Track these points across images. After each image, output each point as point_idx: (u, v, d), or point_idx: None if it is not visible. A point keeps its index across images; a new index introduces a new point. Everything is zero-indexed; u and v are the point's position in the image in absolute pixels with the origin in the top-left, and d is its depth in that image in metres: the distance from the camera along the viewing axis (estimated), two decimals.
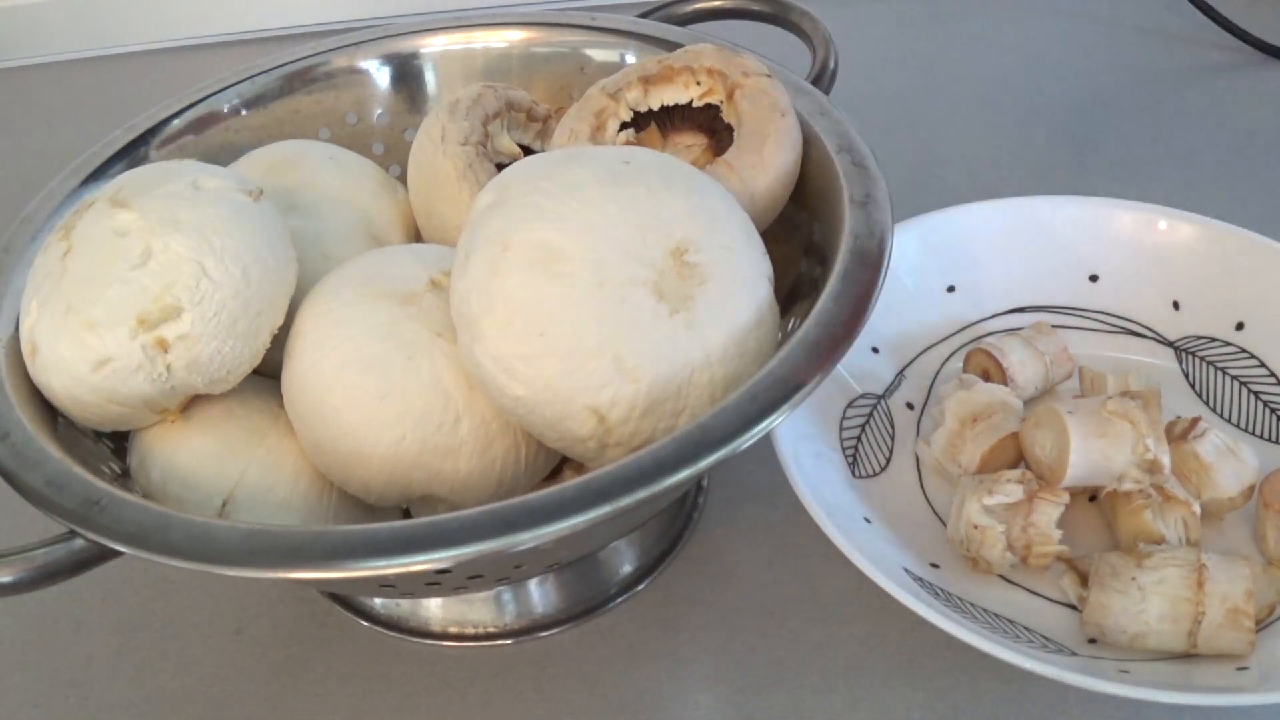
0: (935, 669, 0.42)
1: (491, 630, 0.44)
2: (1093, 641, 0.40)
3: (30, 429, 0.36)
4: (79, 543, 0.33)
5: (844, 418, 0.48)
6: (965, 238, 0.53)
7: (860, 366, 0.50)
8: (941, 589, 0.41)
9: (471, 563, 0.32)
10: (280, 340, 0.39)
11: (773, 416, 0.33)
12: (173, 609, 0.47)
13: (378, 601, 0.45)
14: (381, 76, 0.53)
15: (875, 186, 0.41)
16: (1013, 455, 0.46)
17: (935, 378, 0.51)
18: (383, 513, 0.41)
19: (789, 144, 0.42)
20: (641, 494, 0.31)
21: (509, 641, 0.44)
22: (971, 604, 0.41)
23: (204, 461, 0.38)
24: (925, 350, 0.52)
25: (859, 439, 0.48)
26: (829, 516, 0.40)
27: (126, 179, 0.40)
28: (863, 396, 0.49)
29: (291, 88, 0.52)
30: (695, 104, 0.44)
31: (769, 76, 0.43)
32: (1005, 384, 0.48)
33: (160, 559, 0.32)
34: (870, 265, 0.38)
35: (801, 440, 0.44)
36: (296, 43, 0.54)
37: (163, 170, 0.41)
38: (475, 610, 0.44)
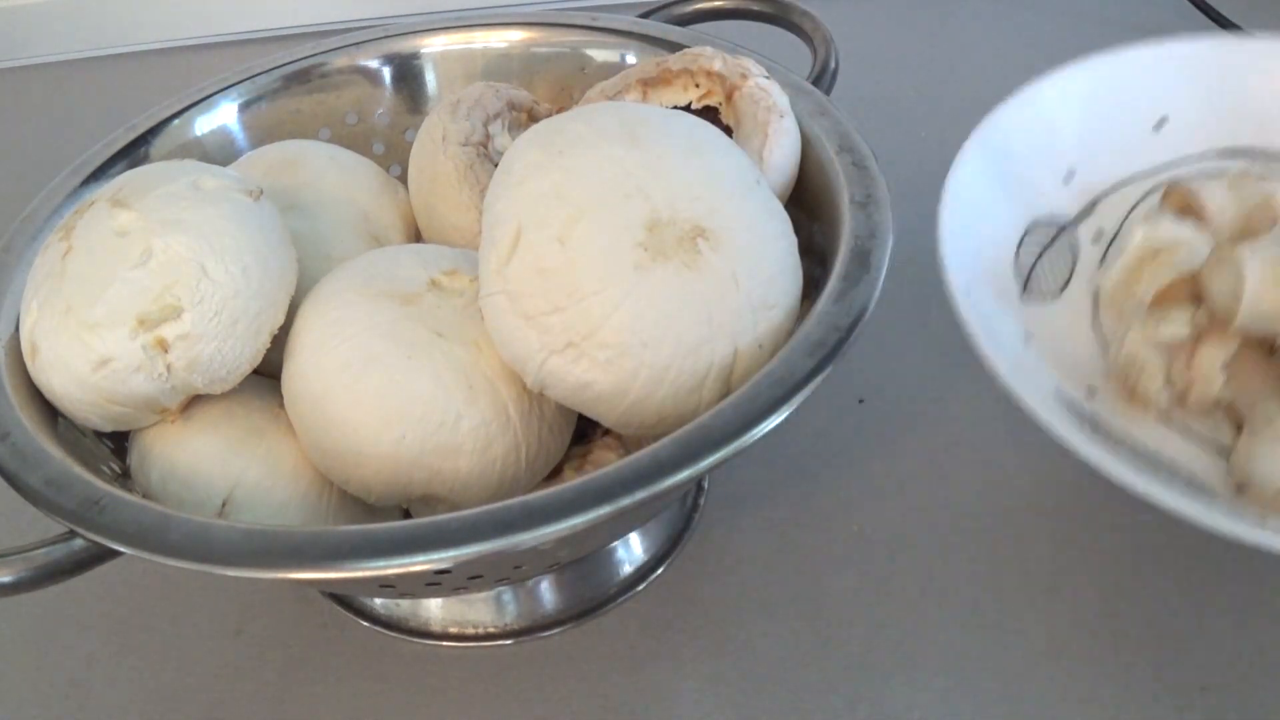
0: (935, 669, 0.42)
1: (491, 630, 0.44)
2: (1238, 493, 0.38)
3: (30, 429, 0.36)
4: (79, 543, 0.33)
5: (1021, 242, 0.46)
6: (1176, 77, 0.51)
7: (1048, 194, 0.48)
8: (1090, 417, 0.39)
9: (471, 563, 0.32)
10: (280, 340, 0.39)
11: (772, 416, 0.33)
12: (173, 609, 0.47)
13: (378, 601, 0.45)
14: (382, 76, 0.53)
15: (875, 187, 0.41)
16: (1190, 294, 0.43)
17: (1129, 214, 0.49)
18: (383, 513, 0.41)
19: (788, 145, 0.42)
20: (641, 494, 0.31)
21: (509, 642, 0.44)
22: (1120, 438, 0.39)
23: (204, 461, 0.38)
24: (1121, 185, 0.50)
25: (1036, 264, 0.46)
26: (986, 334, 0.38)
27: (126, 179, 0.40)
28: (1048, 222, 0.48)
29: (291, 88, 0.52)
30: (694, 106, 0.44)
31: (768, 78, 0.43)
32: (1200, 224, 0.45)
33: (160, 559, 0.32)
34: (870, 266, 0.38)
35: (970, 255, 0.42)
36: (296, 43, 0.54)
37: (163, 170, 0.41)
38: (475, 610, 0.44)
